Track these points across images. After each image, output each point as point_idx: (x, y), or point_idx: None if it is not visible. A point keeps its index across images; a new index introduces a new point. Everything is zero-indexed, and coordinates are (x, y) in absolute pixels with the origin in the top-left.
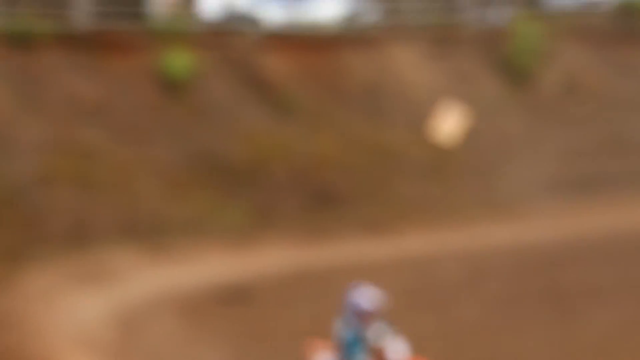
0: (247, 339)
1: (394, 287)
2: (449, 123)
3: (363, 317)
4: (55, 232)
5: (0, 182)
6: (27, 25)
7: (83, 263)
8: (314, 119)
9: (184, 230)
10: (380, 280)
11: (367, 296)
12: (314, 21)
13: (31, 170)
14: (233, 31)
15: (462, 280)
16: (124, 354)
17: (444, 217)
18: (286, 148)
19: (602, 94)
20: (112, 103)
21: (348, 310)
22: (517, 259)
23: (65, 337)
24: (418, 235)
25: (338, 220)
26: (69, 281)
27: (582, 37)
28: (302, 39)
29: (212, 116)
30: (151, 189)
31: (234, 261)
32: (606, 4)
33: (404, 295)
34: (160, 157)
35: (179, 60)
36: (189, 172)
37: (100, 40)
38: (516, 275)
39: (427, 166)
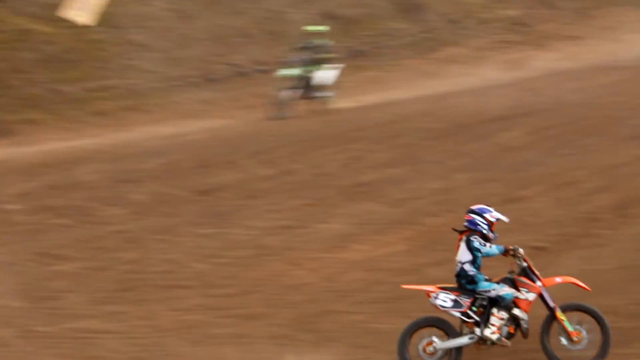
0: None
1: (25, 193)
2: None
3: (491, 231)
4: None
5: None
6: None
7: None
8: None
9: None
10: (11, 185)
11: (492, 210)
12: None
13: None
14: None
15: (103, 184)
16: None
17: (81, 110)
18: None
19: None
20: None
21: (482, 227)
22: (166, 158)
23: None
24: (54, 133)
25: None
26: None
27: None
28: None
29: None
30: None
31: None
32: None
33: (43, 201)
34: None
35: None
36: None
37: None
38: (164, 176)
39: (61, 53)
